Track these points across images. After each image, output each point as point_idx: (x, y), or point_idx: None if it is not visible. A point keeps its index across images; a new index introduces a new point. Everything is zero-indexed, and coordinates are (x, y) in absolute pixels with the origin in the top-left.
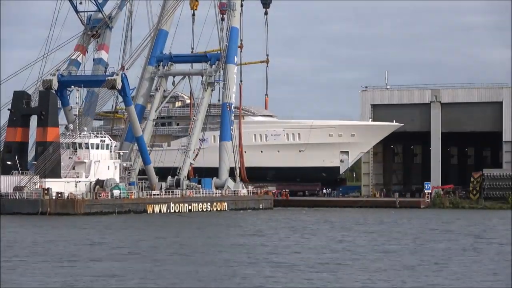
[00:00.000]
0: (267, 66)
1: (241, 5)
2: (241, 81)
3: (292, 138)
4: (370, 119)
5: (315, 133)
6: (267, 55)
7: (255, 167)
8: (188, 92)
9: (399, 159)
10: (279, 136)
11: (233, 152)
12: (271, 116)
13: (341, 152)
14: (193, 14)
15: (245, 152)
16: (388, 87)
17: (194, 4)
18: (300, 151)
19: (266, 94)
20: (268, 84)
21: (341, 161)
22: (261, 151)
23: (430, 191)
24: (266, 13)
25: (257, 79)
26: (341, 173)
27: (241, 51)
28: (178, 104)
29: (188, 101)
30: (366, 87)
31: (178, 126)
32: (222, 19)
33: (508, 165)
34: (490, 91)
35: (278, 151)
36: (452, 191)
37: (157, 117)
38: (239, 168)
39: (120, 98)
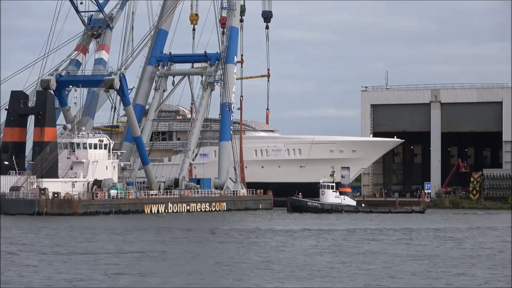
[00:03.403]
0: (268, 81)
1: (242, 20)
2: (241, 96)
3: (293, 154)
4: (371, 135)
5: (316, 149)
6: (268, 69)
7: (256, 182)
8: (187, 103)
9: (399, 159)
10: (280, 152)
11: (234, 167)
12: (272, 131)
13: (342, 167)
14: (193, 29)
15: (246, 167)
16: (388, 87)
17: (194, 18)
18: (301, 166)
19: (267, 109)
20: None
21: (342, 176)
22: (262, 167)
23: (430, 191)
24: (267, 27)
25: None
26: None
27: (241, 66)
28: (178, 118)
29: (189, 116)
30: (366, 87)
31: (179, 141)
32: (223, 33)
33: (508, 165)
34: (490, 91)
35: (279, 167)
36: (452, 191)
37: (158, 132)
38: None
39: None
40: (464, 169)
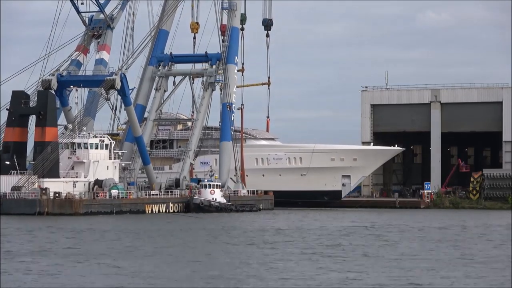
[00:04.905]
0: (269, 88)
1: (243, 29)
2: (242, 104)
3: (294, 162)
4: (371, 143)
5: (317, 157)
6: (268, 77)
7: None
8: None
9: (399, 159)
10: (281, 160)
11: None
12: (273, 139)
13: (343, 176)
14: (194, 37)
15: (246, 175)
16: (388, 87)
17: (195, 27)
18: (301, 175)
19: (268, 116)
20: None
21: (343, 185)
22: (263, 175)
23: (430, 191)
24: (267, 35)
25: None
26: (343, 197)
27: (242, 75)
28: (179, 127)
29: (189, 124)
30: (366, 87)
31: (180, 149)
32: (223, 41)
33: (508, 165)
34: (490, 91)
35: (280, 175)
36: (452, 191)
37: (158, 140)
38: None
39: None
40: (464, 169)
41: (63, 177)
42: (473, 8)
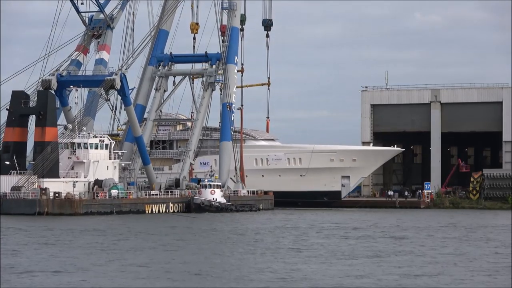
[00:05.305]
0: (268, 89)
1: (242, 29)
2: (242, 105)
3: (293, 163)
4: (371, 144)
5: (316, 158)
6: (268, 78)
7: None
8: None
9: (399, 159)
10: (281, 161)
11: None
12: (272, 139)
13: (342, 176)
14: (194, 38)
15: (246, 176)
16: (388, 87)
17: (195, 27)
18: (301, 175)
19: (268, 117)
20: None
21: (343, 185)
22: (262, 176)
23: (430, 191)
24: (267, 36)
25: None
26: (342, 197)
27: (242, 75)
28: (179, 127)
29: (189, 124)
30: (366, 87)
31: (180, 149)
32: (223, 42)
33: (508, 165)
34: (490, 91)
35: (279, 176)
36: (452, 191)
37: (158, 141)
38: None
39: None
40: (464, 169)
41: (63, 177)
42: (472, 9)
